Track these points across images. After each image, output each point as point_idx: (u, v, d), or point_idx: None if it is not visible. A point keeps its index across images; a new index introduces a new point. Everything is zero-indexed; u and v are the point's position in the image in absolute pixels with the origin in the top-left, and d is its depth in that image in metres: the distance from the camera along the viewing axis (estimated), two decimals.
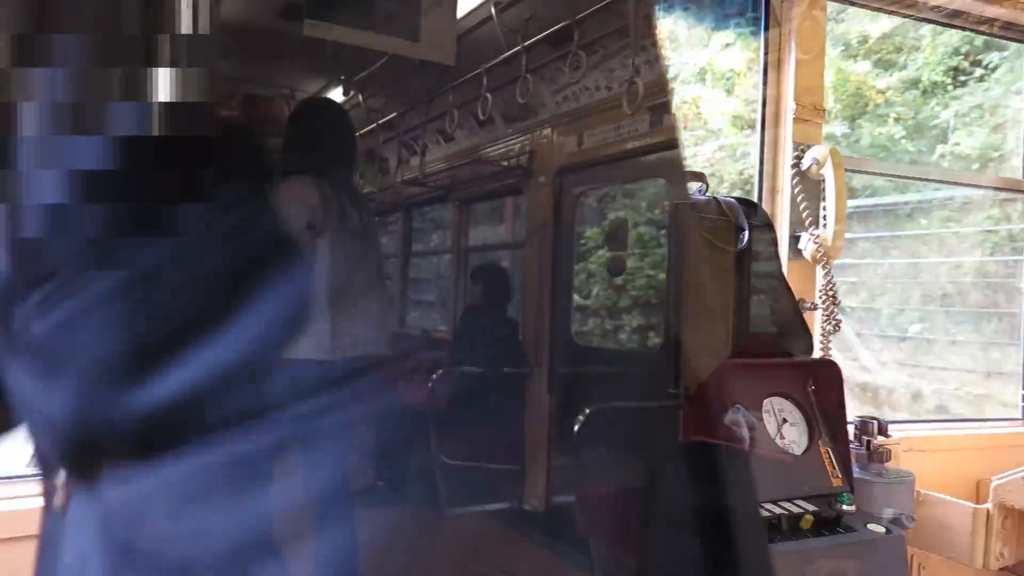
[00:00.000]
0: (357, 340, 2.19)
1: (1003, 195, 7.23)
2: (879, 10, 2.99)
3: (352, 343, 2.15)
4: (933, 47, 7.54)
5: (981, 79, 6.77)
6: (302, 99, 2.37)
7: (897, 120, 7.46)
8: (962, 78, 7.50)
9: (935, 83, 7.62)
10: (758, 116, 2.65)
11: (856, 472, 2.06)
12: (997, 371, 6.91)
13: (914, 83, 7.71)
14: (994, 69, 6.83)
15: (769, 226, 2.50)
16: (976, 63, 7.20)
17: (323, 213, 2.11)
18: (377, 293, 2.35)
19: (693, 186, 2.45)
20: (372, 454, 2.49)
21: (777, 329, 2.21)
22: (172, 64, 0.51)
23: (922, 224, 7.49)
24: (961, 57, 7.27)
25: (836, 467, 1.96)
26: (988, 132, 7.15)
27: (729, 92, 8.19)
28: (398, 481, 2.65)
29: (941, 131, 7.50)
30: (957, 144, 7.28)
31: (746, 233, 2.33)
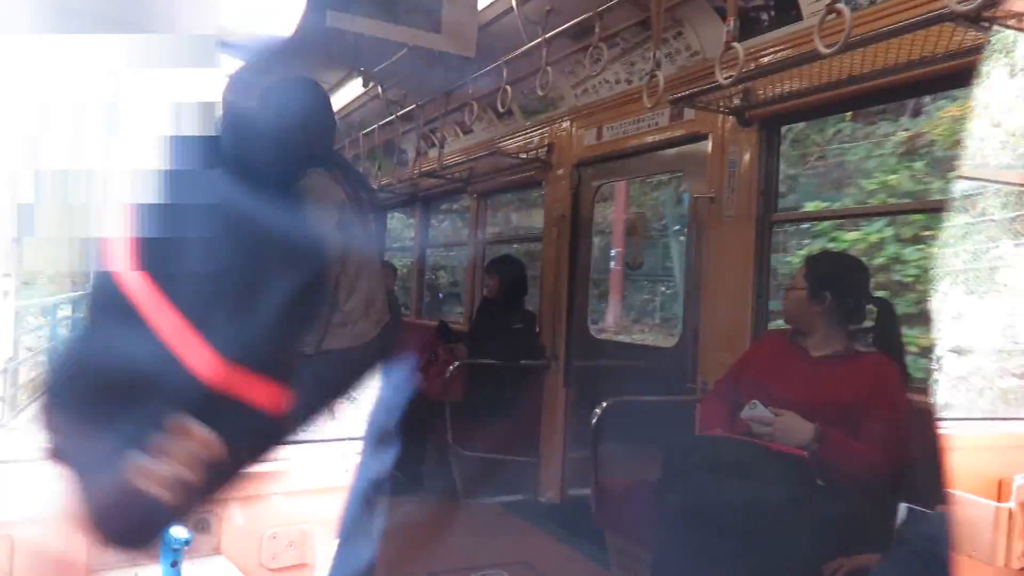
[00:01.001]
0: (380, 319, 2.18)
1: None
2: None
3: (374, 324, 2.15)
4: None
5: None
6: (281, 82, 1.97)
7: None
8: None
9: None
10: None
11: None
12: None
13: None
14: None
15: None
16: None
17: (349, 209, 2.07)
18: (379, 263, 2.36)
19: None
20: (388, 444, 2.46)
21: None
22: None
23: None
24: None
25: None
26: None
27: None
28: (414, 471, 2.65)
29: None
30: None
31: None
